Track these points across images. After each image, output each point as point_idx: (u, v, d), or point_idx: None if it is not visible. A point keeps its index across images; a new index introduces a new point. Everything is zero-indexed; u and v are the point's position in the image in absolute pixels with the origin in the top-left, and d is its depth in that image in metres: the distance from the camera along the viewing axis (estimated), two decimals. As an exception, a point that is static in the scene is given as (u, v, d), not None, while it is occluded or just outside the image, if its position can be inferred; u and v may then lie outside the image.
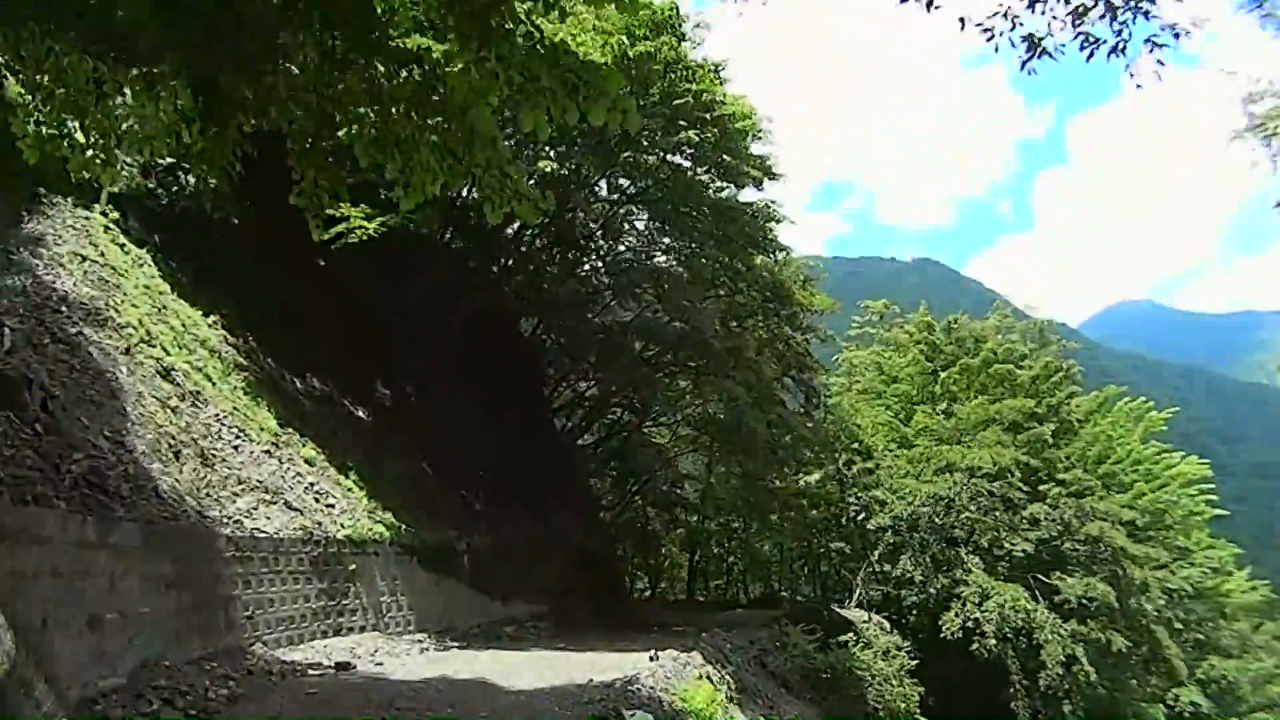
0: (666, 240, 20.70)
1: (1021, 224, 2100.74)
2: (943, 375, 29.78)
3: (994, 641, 22.33)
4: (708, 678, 10.52)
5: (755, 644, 16.28)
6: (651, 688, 8.48)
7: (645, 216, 20.61)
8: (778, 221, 20.00)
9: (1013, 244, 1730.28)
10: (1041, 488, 26.70)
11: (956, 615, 22.77)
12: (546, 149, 15.96)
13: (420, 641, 12.04)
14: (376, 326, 16.77)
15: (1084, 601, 24.71)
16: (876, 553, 25.35)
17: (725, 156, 18.05)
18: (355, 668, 9.67)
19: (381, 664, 10.19)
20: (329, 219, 14.46)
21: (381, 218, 14.18)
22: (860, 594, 25.59)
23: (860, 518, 25.98)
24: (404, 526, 13.42)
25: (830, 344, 29.61)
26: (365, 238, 13.96)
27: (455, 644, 12.50)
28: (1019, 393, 28.50)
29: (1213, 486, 37.12)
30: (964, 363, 29.73)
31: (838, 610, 22.41)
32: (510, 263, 19.91)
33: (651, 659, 10.26)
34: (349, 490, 12.92)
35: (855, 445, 26.55)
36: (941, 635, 22.53)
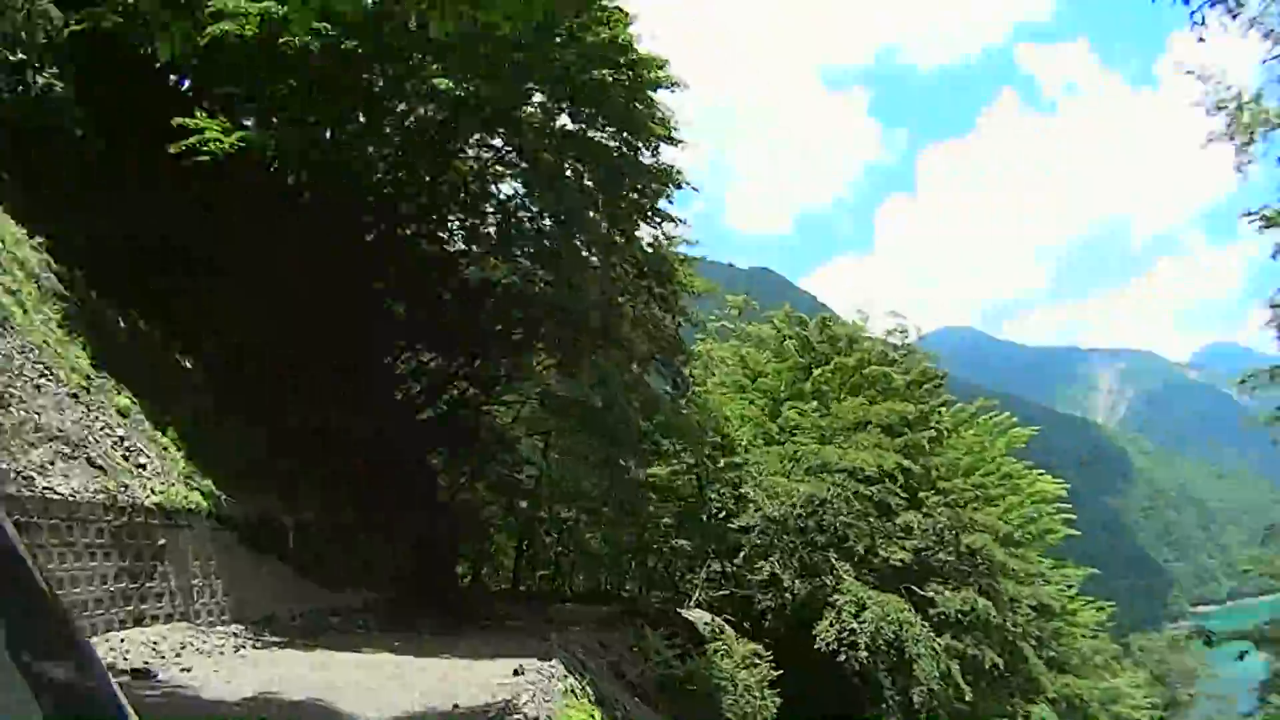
0: (546, 202, 18.41)
1: (861, 245, 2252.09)
2: (815, 373, 28.61)
3: (865, 654, 21.28)
4: (572, 692, 9.70)
5: (609, 649, 15.47)
6: (535, 718, 7.50)
7: (524, 174, 18.40)
8: (679, 187, 18.28)
9: (850, 263, 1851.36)
10: (920, 494, 25.85)
11: (831, 625, 21.54)
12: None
13: (236, 635, 10.32)
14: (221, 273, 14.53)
15: (960, 616, 23.90)
16: (741, 554, 23.65)
17: (635, 104, 16.20)
18: (156, 675, 7.96)
19: (190, 668, 8.51)
20: (181, 129, 12.54)
21: (240, 132, 12.37)
22: (699, 595, 24.10)
23: (721, 515, 24.51)
24: (224, 496, 11.54)
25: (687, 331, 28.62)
26: (221, 154, 12.01)
27: (276, 639, 10.83)
28: (893, 397, 27.55)
29: (1070, 507, 38.68)
30: (839, 361, 28.67)
31: (679, 612, 21.45)
32: (369, 218, 17.96)
33: (517, 673, 9.27)
34: (165, 449, 10.92)
35: (719, 439, 24.53)
36: (816, 646, 21.27)
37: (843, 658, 21.14)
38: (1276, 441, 17.59)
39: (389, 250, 18.42)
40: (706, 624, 20.94)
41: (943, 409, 31.21)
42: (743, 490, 23.91)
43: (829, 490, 23.05)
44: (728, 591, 24.53)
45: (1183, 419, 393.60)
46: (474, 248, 19.51)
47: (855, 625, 21.39)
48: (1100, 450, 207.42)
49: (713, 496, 24.93)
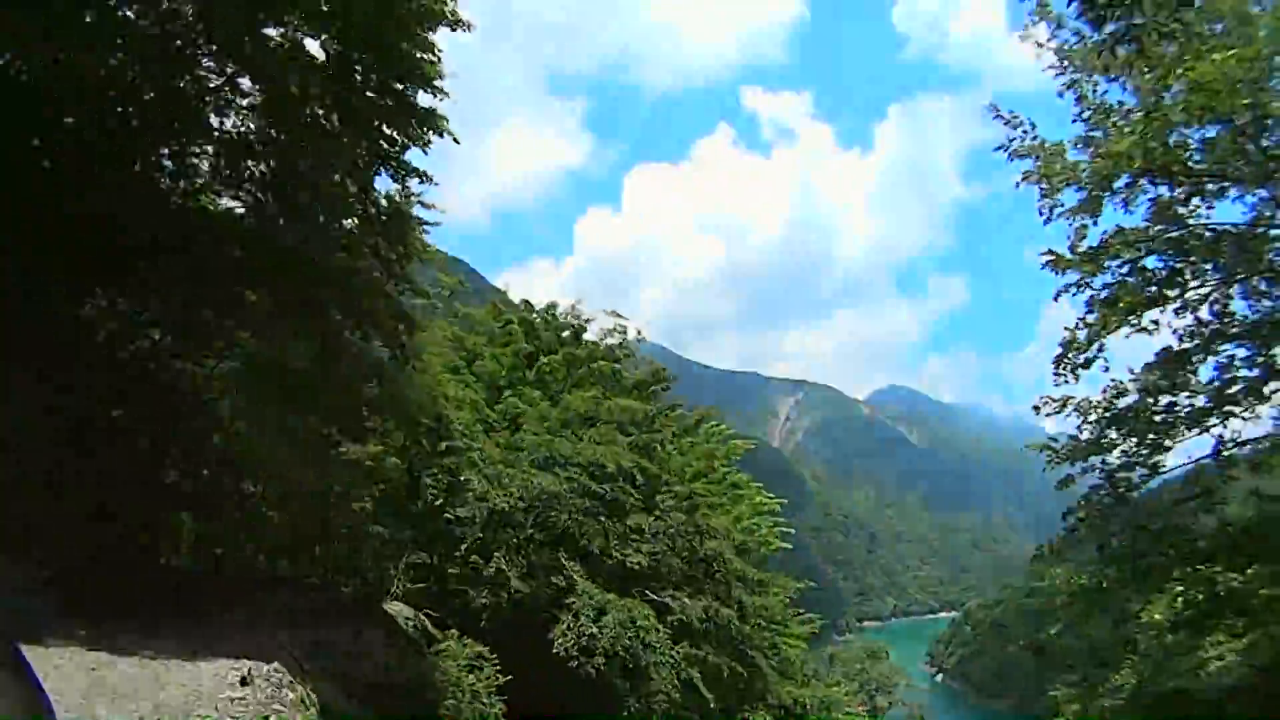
0: (276, 135, 16.34)
1: (559, 251, 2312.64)
2: (541, 360, 27.33)
3: (602, 660, 19.96)
4: (302, 701, 8.88)
5: (324, 646, 14.12)
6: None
7: (254, 98, 16.03)
8: (440, 135, 16.33)
9: (547, 266, 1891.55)
10: (657, 497, 25.30)
11: (569, 630, 20.21)
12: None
13: None
14: None
15: (699, 623, 23.40)
16: (463, 546, 21.43)
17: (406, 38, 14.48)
18: None
19: None
20: None
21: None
22: (398, 588, 21.58)
23: (436, 503, 22.36)
24: None
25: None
26: None
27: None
28: (623, 394, 26.68)
29: (786, 519, 40.02)
30: (567, 352, 27.60)
31: (381, 606, 19.44)
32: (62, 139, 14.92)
33: (244, 681, 8.29)
34: None
35: (434, 421, 22.24)
36: (555, 651, 19.95)
37: (574, 663, 19.94)
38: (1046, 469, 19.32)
39: (90, 176, 15.23)
40: (409, 619, 19.52)
41: (670, 411, 31.11)
42: (464, 478, 22.39)
43: (561, 485, 21.92)
44: (433, 586, 22.89)
45: (854, 450, 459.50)
46: (184, 182, 16.82)
47: (595, 630, 20.28)
48: (778, 472, 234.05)
49: (427, 482, 23.08)
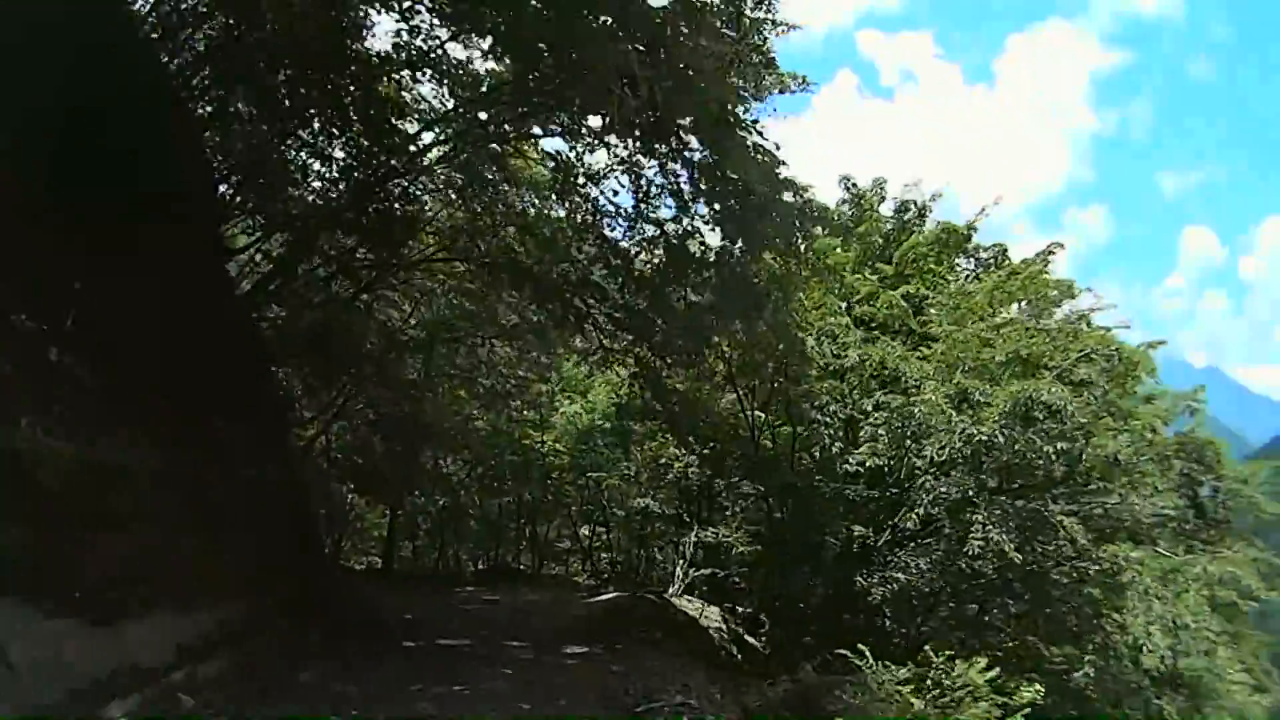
0: None
1: None
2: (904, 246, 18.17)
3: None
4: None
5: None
6: None
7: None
8: None
9: None
10: None
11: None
12: None
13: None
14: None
15: None
16: (909, 512, 14.07)
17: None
18: None
19: None
20: None
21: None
22: (682, 575, 17.35)
23: (833, 450, 15.78)
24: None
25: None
26: None
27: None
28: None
29: None
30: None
31: (665, 598, 15.52)
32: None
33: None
34: None
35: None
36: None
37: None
38: None
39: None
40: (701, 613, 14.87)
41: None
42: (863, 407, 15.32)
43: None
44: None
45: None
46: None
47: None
48: None
49: (820, 421, 16.19)
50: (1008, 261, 18.13)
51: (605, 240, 12.24)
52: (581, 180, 11.83)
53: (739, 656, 13.28)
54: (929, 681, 8.52)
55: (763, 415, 16.95)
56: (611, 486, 22.05)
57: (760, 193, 9.79)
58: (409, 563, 23.72)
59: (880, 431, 13.92)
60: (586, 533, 24.80)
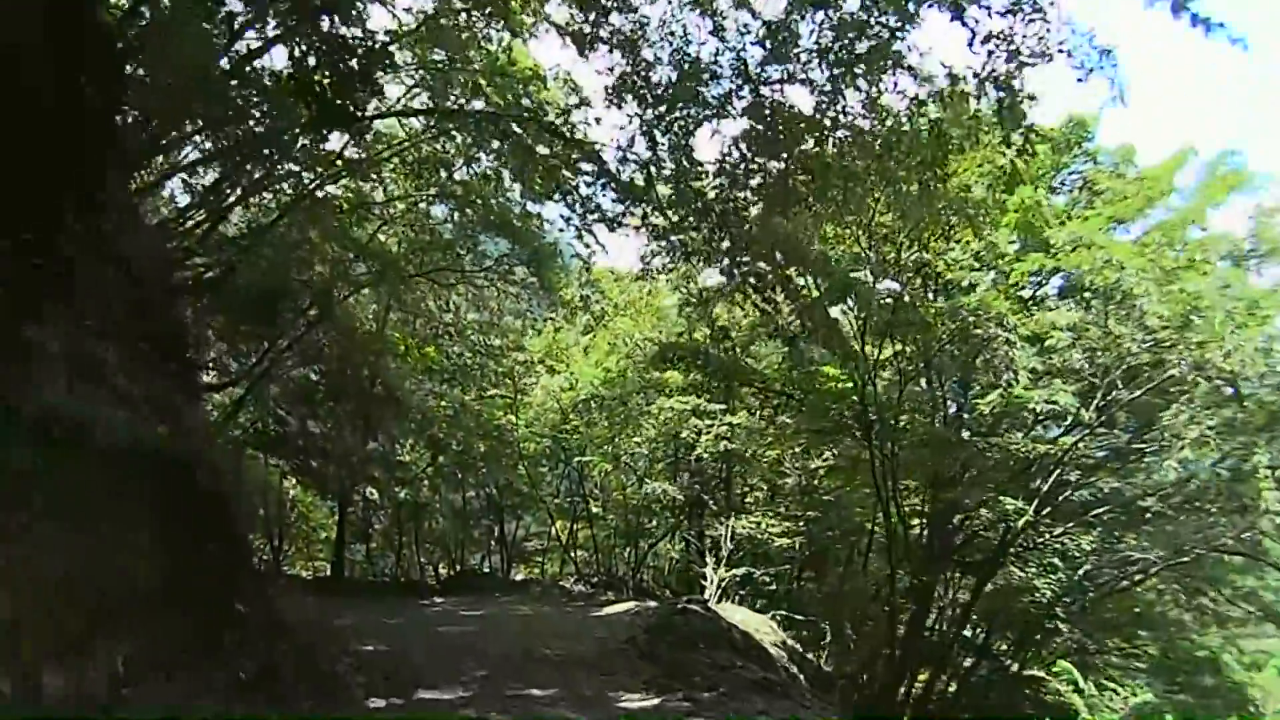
0: None
1: None
2: None
3: None
4: None
5: None
6: None
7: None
8: None
9: None
10: None
11: None
12: None
13: None
14: None
15: None
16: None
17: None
18: None
19: None
20: None
21: None
22: (715, 577, 13.49)
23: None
24: None
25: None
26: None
27: None
28: None
29: None
30: None
31: (712, 606, 11.16)
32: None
33: None
34: None
35: None
36: None
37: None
38: None
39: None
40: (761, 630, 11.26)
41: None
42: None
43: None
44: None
45: None
46: None
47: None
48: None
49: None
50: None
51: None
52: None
53: (803, 678, 10.11)
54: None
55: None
56: (604, 471, 18.64)
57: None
58: (362, 568, 19.99)
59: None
60: (564, 529, 21.28)
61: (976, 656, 14.60)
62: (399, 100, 10.06)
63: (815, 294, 11.53)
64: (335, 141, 9.16)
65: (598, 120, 9.48)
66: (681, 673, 7.08)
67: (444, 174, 11.89)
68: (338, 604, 12.37)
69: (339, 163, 9.93)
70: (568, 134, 8.30)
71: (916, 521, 13.15)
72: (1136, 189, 12.93)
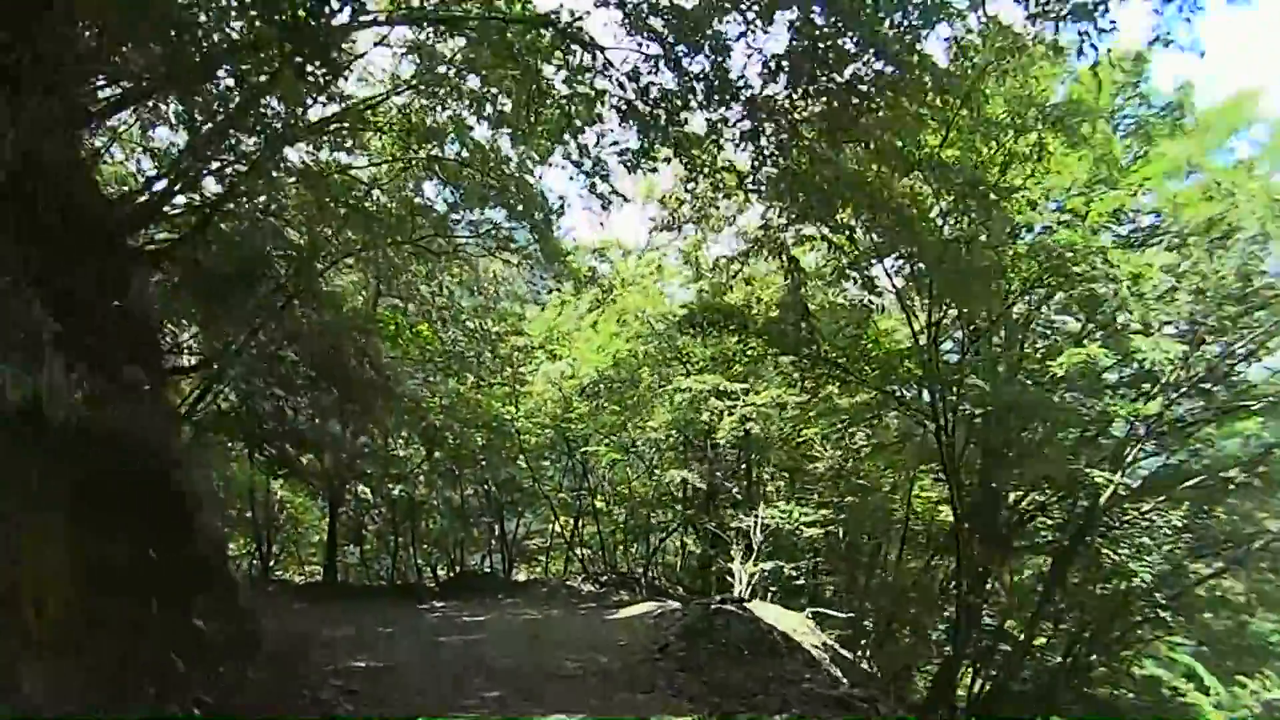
0: None
1: None
2: None
3: None
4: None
5: None
6: None
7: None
8: None
9: None
10: None
11: None
12: None
13: None
14: None
15: None
16: None
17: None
18: None
19: None
20: None
21: None
22: (745, 573, 12.20)
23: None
24: None
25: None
26: None
27: None
28: None
29: None
30: None
31: (748, 605, 9.87)
32: None
33: None
34: None
35: None
36: None
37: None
38: None
39: None
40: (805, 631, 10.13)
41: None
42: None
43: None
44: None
45: None
46: None
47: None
48: None
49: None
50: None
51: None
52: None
53: (845, 681, 9.06)
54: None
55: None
56: (612, 462, 17.53)
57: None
58: (357, 571, 18.89)
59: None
60: (568, 525, 20.20)
61: (1065, 650, 13.42)
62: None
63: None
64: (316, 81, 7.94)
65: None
66: (732, 687, 6.01)
67: (435, 146, 10.77)
68: (329, 611, 11.31)
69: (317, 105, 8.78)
70: (586, 38, 7.02)
71: (969, 501, 12.00)
72: (1216, 118, 11.83)
